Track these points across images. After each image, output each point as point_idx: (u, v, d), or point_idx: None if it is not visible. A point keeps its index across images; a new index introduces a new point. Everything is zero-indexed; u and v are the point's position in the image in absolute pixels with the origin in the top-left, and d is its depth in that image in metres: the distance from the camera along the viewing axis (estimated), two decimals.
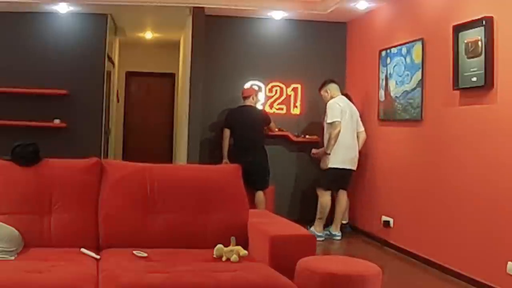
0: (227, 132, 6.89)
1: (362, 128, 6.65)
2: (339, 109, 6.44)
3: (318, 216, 6.57)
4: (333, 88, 6.71)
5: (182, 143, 7.46)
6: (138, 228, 3.37)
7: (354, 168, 6.59)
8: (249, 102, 7.03)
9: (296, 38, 7.60)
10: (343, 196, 6.69)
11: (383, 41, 6.49)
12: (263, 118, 7.08)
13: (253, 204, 6.55)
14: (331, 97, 6.63)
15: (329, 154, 6.41)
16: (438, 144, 5.28)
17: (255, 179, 6.49)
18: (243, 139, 6.81)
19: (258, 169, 6.76)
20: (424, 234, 5.46)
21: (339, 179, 6.59)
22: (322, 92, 6.80)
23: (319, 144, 7.49)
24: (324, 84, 6.79)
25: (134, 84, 11.00)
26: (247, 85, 7.32)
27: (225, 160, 6.83)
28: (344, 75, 7.66)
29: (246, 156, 6.53)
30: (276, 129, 7.30)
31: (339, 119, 6.39)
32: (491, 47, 4.45)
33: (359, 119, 6.67)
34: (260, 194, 6.80)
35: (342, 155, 6.44)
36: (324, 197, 6.59)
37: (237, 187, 3.65)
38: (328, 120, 6.47)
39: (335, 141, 6.37)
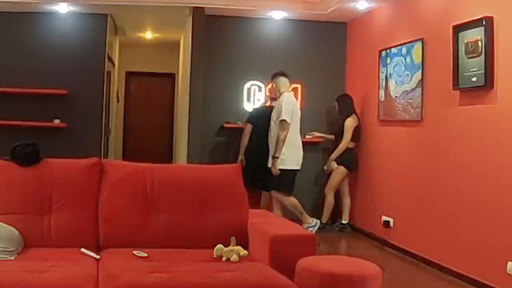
0: (248, 128, 6.74)
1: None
2: (291, 109, 6.15)
3: (298, 215, 6.40)
4: (282, 82, 6.34)
5: (182, 143, 7.46)
6: (138, 228, 3.37)
7: (298, 167, 6.31)
8: (274, 103, 6.77)
9: (296, 38, 7.60)
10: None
11: (383, 41, 6.49)
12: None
13: (257, 205, 6.53)
14: (279, 93, 6.29)
15: (278, 157, 6.06)
16: (438, 144, 5.28)
17: (265, 179, 6.47)
18: (260, 138, 6.61)
19: (265, 171, 6.58)
20: (424, 234, 5.46)
21: (294, 180, 6.32)
22: (271, 85, 6.54)
23: (320, 144, 7.53)
24: (273, 76, 6.42)
25: (134, 84, 11.00)
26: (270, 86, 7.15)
27: (241, 157, 6.73)
28: (344, 75, 7.66)
29: (261, 156, 6.44)
30: (306, 136, 7.08)
31: (290, 121, 6.08)
32: (491, 47, 4.45)
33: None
34: (266, 195, 6.74)
35: (296, 156, 6.19)
36: (289, 200, 6.33)
37: (237, 187, 3.65)
38: (282, 116, 6.04)
39: (283, 144, 6.06)
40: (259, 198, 6.75)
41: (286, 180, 6.18)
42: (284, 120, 6.05)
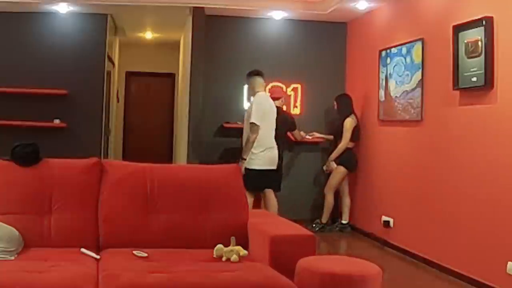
0: None
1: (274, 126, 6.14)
2: (262, 110, 5.91)
3: None
4: (256, 82, 6.09)
5: (182, 143, 7.46)
6: (138, 228, 3.37)
7: (275, 167, 6.14)
8: (278, 103, 6.72)
9: (296, 38, 7.60)
10: (270, 194, 6.36)
11: (383, 41, 6.49)
12: (288, 123, 6.86)
13: (259, 204, 6.50)
14: (253, 92, 6.09)
15: (245, 159, 5.87)
16: (438, 144, 5.28)
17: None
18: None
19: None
20: (424, 234, 5.46)
21: (264, 180, 6.14)
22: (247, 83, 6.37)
23: (319, 145, 7.53)
24: (248, 75, 6.21)
25: (134, 84, 11.00)
26: (268, 85, 7.08)
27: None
28: (344, 75, 7.66)
29: None
30: (307, 136, 7.10)
31: (260, 123, 5.83)
32: (491, 47, 4.45)
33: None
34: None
35: (267, 156, 5.98)
36: (249, 200, 6.27)
37: (237, 187, 3.65)
38: (252, 119, 5.82)
39: (252, 146, 5.85)
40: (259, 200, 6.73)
41: (250, 180, 5.68)
42: (253, 123, 5.81)
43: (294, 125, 7.00)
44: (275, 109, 6.18)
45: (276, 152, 6.10)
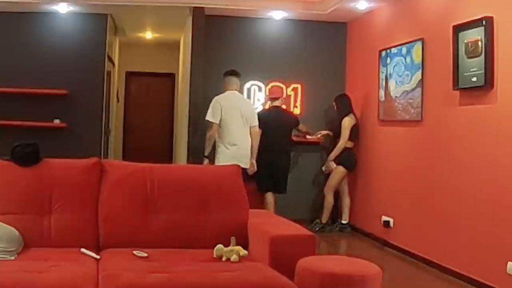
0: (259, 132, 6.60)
1: (255, 123, 6.14)
2: (219, 108, 5.97)
3: None
4: (227, 80, 6.21)
5: (182, 143, 7.45)
6: (138, 228, 3.37)
7: (245, 166, 5.98)
8: (278, 103, 6.85)
9: (296, 38, 7.60)
10: (269, 195, 6.59)
11: (383, 41, 6.49)
12: (292, 122, 6.94)
13: (262, 205, 6.53)
14: (225, 91, 6.20)
15: (205, 156, 6.01)
16: (438, 144, 5.28)
17: (271, 181, 6.55)
18: (268, 141, 6.52)
19: (278, 173, 6.72)
20: (424, 234, 5.46)
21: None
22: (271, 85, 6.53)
23: (319, 144, 7.53)
24: (223, 74, 6.32)
25: (134, 84, 10.99)
26: (270, 84, 7.18)
27: (253, 160, 6.54)
28: (344, 75, 7.66)
29: (269, 158, 6.47)
30: (314, 135, 7.20)
31: (213, 120, 5.96)
32: (491, 47, 4.45)
33: (254, 113, 6.22)
34: (270, 196, 6.74)
35: (230, 154, 5.98)
36: None
37: (237, 187, 3.65)
38: (206, 116, 6.04)
39: (210, 143, 6.00)
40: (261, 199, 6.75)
41: None
42: (207, 120, 6.03)
43: (298, 122, 7.04)
44: (247, 107, 6.14)
45: (242, 150, 6.03)
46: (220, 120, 5.98)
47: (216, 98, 6.12)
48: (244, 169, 5.92)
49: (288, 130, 6.89)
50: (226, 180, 3.65)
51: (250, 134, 6.13)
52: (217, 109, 6.01)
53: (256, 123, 6.17)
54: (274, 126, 6.66)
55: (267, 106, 7.15)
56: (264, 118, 6.60)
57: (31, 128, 6.97)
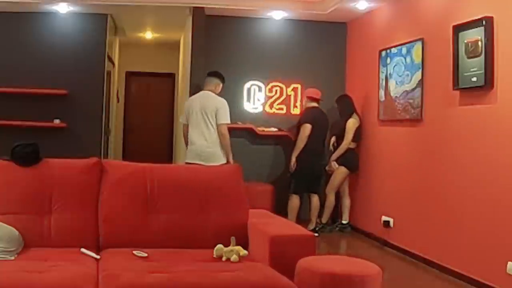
0: (308, 130, 6.70)
1: (220, 121, 5.93)
2: (187, 108, 6.09)
3: None
4: (205, 81, 6.24)
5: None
6: (138, 228, 3.37)
7: (204, 163, 5.69)
8: (315, 104, 6.90)
9: (296, 38, 7.60)
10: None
11: (383, 41, 6.49)
12: (328, 124, 7.03)
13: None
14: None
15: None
16: (438, 144, 5.28)
17: (314, 182, 6.78)
18: (314, 141, 6.70)
19: (319, 174, 6.92)
20: (424, 234, 5.46)
21: None
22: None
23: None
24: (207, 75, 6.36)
25: (134, 84, 10.99)
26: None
27: (294, 159, 6.77)
28: (344, 75, 7.66)
29: (315, 158, 6.73)
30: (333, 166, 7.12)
31: (181, 121, 6.28)
32: (491, 47, 4.45)
33: (220, 111, 5.94)
34: (315, 198, 6.91)
35: (191, 152, 6.01)
36: None
37: (237, 187, 3.65)
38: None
39: (185, 141, 6.16)
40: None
41: None
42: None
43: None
44: (210, 105, 5.98)
45: (202, 147, 5.95)
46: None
47: (189, 99, 6.30)
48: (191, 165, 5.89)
49: (326, 131, 7.01)
50: (226, 180, 3.65)
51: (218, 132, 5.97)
52: (185, 110, 6.17)
53: (223, 121, 5.94)
54: (319, 128, 6.77)
55: (267, 108, 7.15)
56: (313, 120, 6.72)
57: (31, 128, 6.97)
